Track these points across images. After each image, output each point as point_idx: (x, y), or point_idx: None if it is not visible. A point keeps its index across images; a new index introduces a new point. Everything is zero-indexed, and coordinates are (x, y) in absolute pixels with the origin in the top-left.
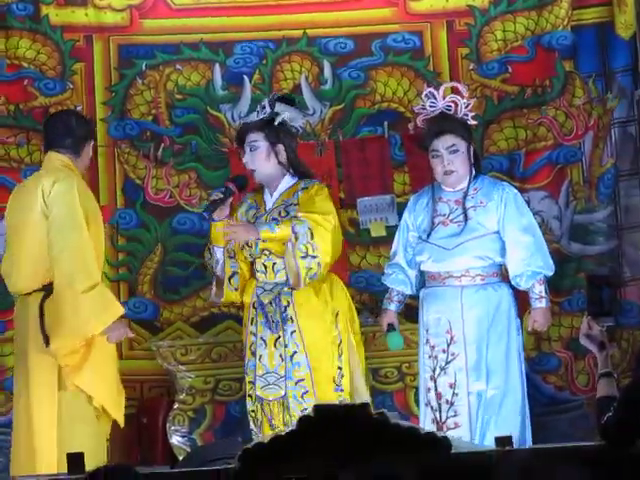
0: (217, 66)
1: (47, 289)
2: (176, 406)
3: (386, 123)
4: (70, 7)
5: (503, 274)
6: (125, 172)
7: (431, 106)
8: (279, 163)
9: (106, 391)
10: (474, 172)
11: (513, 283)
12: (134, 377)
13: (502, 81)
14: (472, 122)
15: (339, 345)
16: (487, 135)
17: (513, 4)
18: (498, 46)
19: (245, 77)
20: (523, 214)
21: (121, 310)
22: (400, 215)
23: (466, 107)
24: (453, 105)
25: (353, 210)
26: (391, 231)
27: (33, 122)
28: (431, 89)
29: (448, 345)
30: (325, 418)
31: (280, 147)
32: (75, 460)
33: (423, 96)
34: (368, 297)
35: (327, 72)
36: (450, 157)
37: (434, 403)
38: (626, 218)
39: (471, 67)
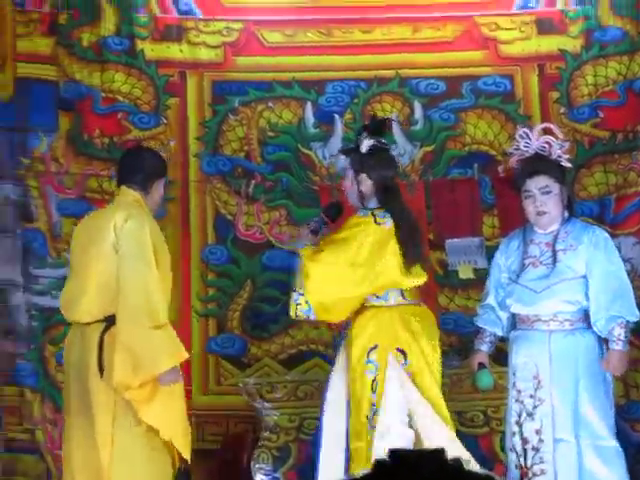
0: (309, 104)
1: (109, 321)
2: (261, 443)
3: (476, 165)
4: (165, 42)
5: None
6: (216, 208)
7: (525, 146)
8: (359, 192)
9: (174, 425)
10: (567, 215)
11: (595, 328)
12: (220, 412)
13: (593, 126)
14: (566, 164)
15: (373, 381)
16: (577, 180)
17: (605, 49)
18: (589, 90)
19: (336, 116)
20: (611, 259)
21: (186, 354)
22: (490, 258)
23: (560, 148)
24: (547, 146)
25: (442, 251)
26: (479, 274)
27: None
28: (525, 129)
29: (535, 390)
30: (400, 463)
31: (363, 176)
32: None
33: (517, 136)
34: (456, 339)
35: (418, 113)
36: (543, 198)
37: (519, 448)
38: None
39: (562, 111)
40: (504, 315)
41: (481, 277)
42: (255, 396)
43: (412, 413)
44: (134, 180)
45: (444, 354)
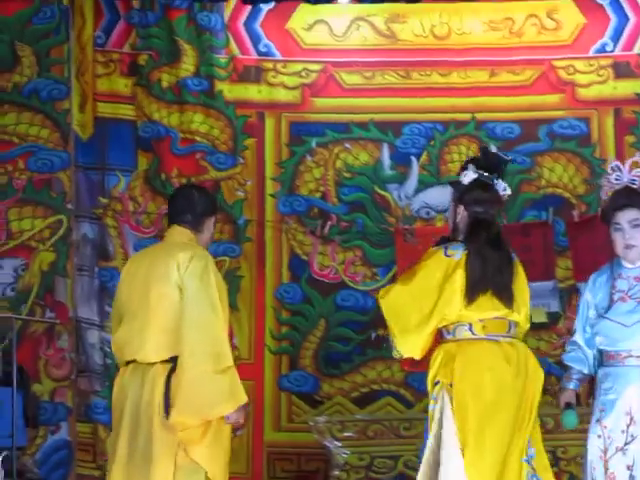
0: (385, 146)
1: (174, 361)
2: None
3: (551, 209)
4: (244, 84)
5: None
6: (292, 247)
7: (617, 179)
8: (454, 224)
9: (219, 467)
10: None
11: None
12: (292, 449)
13: None
14: None
15: (432, 416)
16: None
17: None
18: None
19: (413, 158)
20: None
21: (245, 398)
22: (564, 301)
23: None
24: (638, 179)
25: None
26: (552, 316)
27: None
28: (617, 162)
29: (628, 426)
30: None
31: (460, 208)
32: None
33: (609, 169)
34: None
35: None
36: (632, 231)
37: None
38: None
39: (637, 155)
40: (590, 353)
41: (554, 320)
42: (325, 434)
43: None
44: (185, 219)
45: None
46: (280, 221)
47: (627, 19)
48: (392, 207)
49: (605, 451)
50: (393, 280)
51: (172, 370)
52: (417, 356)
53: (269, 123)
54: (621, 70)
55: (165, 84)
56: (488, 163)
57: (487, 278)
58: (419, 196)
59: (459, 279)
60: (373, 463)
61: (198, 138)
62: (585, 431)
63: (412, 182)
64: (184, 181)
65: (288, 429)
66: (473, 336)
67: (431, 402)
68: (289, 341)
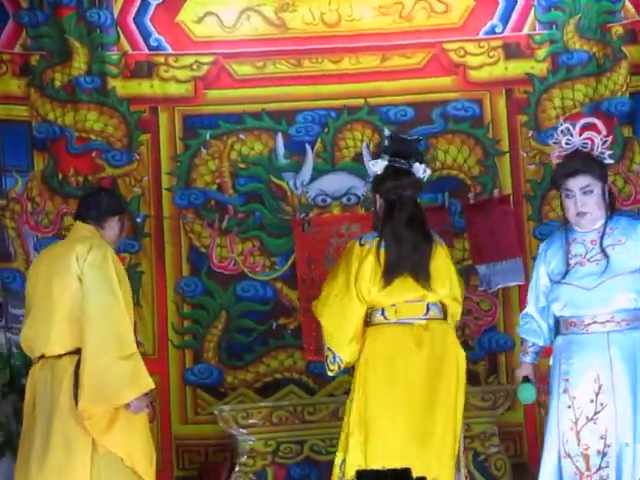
0: (279, 135)
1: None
2: (237, 469)
3: (447, 193)
4: (136, 79)
5: None
6: (190, 241)
7: (567, 143)
8: (375, 214)
9: (135, 452)
10: (609, 212)
11: None
12: (199, 441)
13: None
14: (609, 160)
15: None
16: (546, 201)
17: (571, 72)
18: (557, 113)
19: (307, 145)
20: None
21: (151, 384)
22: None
23: (603, 145)
24: (590, 143)
25: None
26: None
27: None
28: (568, 125)
29: (597, 395)
30: None
31: (377, 197)
32: None
33: (559, 131)
34: None
35: (387, 140)
36: (584, 198)
37: (577, 455)
38: None
39: (530, 134)
40: (545, 324)
41: None
42: (231, 422)
43: None
44: (89, 216)
45: None
46: (178, 215)
47: (515, 1)
48: (288, 196)
49: (576, 422)
50: (292, 269)
51: (80, 361)
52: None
53: (163, 118)
54: (511, 51)
55: (58, 83)
56: (399, 148)
57: (402, 258)
58: (315, 184)
59: (369, 264)
60: (279, 449)
61: (93, 136)
62: (488, 408)
63: (307, 170)
64: (81, 180)
65: (195, 421)
66: (385, 320)
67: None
68: (192, 334)
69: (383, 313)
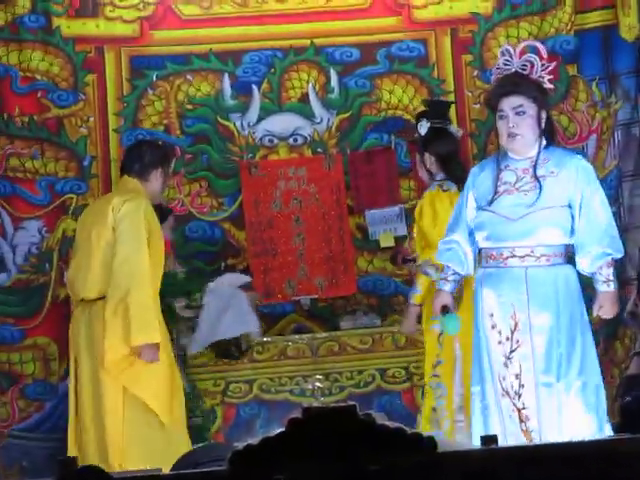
0: (226, 76)
1: None
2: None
3: (393, 136)
4: (81, 19)
5: (569, 255)
6: None
7: (505, 64)
8: (427, 172)
9: (155, 392)
10: (545, 141)
11: (579, 266)
12: None
13: None
14: (548, 85)
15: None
16: (491, 140)
17: (516, 10)
18: None
19: (254, 86)
20: (599, 191)
21: (159, 338)
22: (408, 224)
23: (543, 69)
24: (529, 65)
25: (361, 216)
26: (400, 241)
27: (47, 133)
28: (508, 47)
29: (512, 332)
30: (312, 419)
31: (426, 156)
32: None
33: (499, 53)
34: (376, 300)
35: (333, 81)
36: (516, 119)
37: (512, 390)
38: (630, 218)
39: (475, 74)
40: (469, 250)
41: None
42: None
43: None
44: (133, 169)
45: (364, 314)
46: None
47: None
48: (235, 137)
49: (509, 357)
50: (240, 210)
51: None
52: None
53: (109, 58)
54: None
55: (1, 22)
56: (435, 111)
57: None
58: (262, 124)
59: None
60: (228, 388)
61: (38, 76)
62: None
63: (254, 111)
64: (26, 120)
65: None
66: None
67: None
68: None
69: None
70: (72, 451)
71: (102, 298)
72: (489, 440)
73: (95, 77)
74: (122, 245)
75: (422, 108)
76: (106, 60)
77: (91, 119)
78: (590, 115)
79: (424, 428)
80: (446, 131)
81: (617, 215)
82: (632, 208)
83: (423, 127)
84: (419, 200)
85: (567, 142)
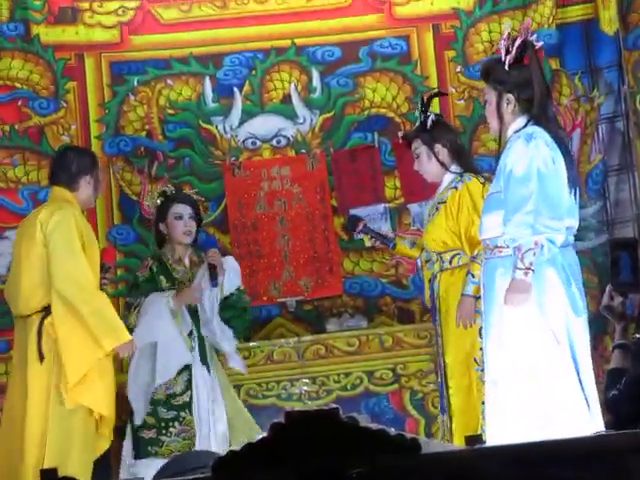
0: (207, 79)
1: (46, 310)
2: None
3: (376, 133)
4: (60, 26)
5: None
6: (121, 188)
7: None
8: (440, 163)
9: (104, 400)
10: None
11: None
12: None
13: None
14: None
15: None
16: (476, 136)
17: (498, 5)
18: (484, 47)
19: (235, 89)
20: None
21: (129, 335)
22: (394, 220)
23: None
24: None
25: (345, 216)
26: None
27: (29, 142)
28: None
29: None
30: (295, 424)
31: (438, 147)
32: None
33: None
34: (363, 302)
35: (316, 81)
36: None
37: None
38: (616, 213)
39: (458, 69)
40: None
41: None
42: None
43: None
44: (61, 179)
45: (351, 316)
46: (107, 163)
47: None
48: (218, 140)
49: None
50: (224, 214)
51: (43, 319)
52: None
53: (89, 64)
54: None
55: None
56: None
57: None
58: (244, 127)
59: None
60: None
61: (18, 84)
62: (424, 346)
63: (236, 113)
64: (7, 129)
65: None
66: None
67: None
68: (125, 283)
69: None
70: None
71: (36, 312)
72: (473, 440)
73: (76, 84)
74: (60, 261)
75: (406, 106)
76: (86, 66)
77: (73, 127)
78: (574, 109)
79: (480, 423)
80: (448, 123)
81: (603, 209)
82: (617, 202)
83: (429, 119)
84: (447, 193)
85: None
